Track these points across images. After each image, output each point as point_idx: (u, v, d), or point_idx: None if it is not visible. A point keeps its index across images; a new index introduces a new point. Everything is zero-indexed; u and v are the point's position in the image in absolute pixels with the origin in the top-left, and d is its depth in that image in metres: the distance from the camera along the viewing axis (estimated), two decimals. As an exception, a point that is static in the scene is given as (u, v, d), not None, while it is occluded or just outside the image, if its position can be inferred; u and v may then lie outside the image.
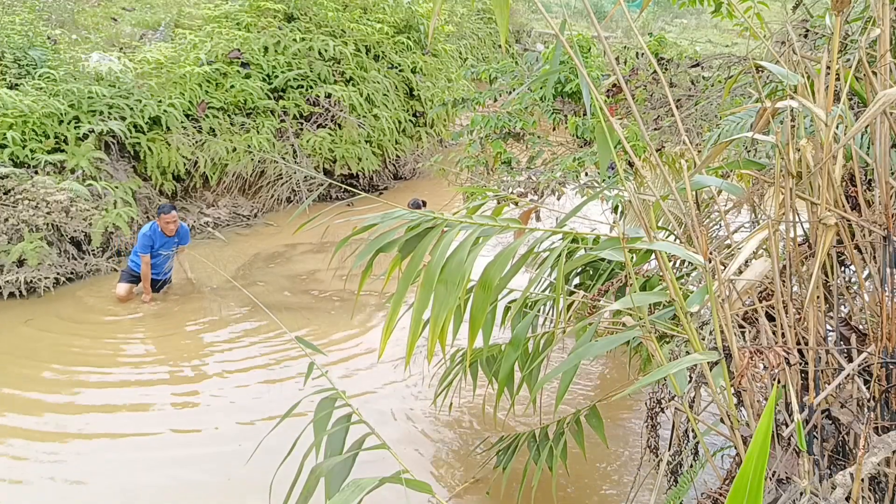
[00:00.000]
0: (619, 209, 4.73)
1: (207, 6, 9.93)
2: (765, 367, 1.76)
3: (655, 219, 3.26)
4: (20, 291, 6.07)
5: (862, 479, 1.67)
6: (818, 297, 2.02)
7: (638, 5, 15.13)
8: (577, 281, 3.74)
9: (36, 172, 6.65)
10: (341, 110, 8.97)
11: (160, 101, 7.73)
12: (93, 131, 7.05)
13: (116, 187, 7.07)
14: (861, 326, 2.13)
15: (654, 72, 5.54)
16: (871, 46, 2.20)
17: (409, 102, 9.92)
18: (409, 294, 2.37)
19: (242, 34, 8.83)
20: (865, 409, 1.94)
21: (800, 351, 1.98)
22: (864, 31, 2.12)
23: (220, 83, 8.39)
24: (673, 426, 2.49)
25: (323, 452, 2.18)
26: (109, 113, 7.32)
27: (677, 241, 2.63)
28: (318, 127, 8.96)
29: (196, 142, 8.01)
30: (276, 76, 8.75)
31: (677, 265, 3.56)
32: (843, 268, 2.41)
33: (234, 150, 8.19)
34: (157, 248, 6.00)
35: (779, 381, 1.93)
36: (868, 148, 2.21)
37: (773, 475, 1.86)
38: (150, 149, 7.64)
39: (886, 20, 1.95)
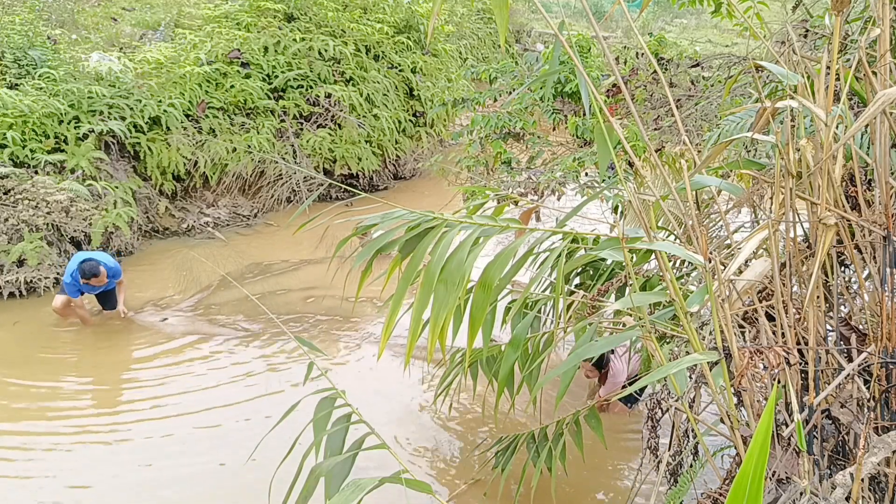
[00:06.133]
0: (619, 209, 4.73)
1: (207, 6, 9.92)
2: (765, 367, 1.76)
3: (655, 219, 3.25)
4: (20, 291, 6.07)
5: (862, 479, 1.67)
6: (818, 297, 2.02)
7: (638, 5, 15.13)
8: (577, 281, 3.74)
9: (36, 172, 6.65)
10: (341, 110, 8.97)
11: (160, 101, 7.72)
12: (93, 131, 7.04)
13: (116, 187, 7.07)
14: (861, 326, 2.13)
15: (654, 72, 5.54)
16: (871, 46, 2.19)
17: (409, 102, 9.92)
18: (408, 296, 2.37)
19: (242, 34, 8.82)
20: (865, 409, 1.94)
21: (800, 351, 1.98)
22: (864, 31, 2.12)
23: (220, 83, 8.38)
24: (673, 426, 2.49)
25: (323, 452, 2.18)
26: (109, 113, 7.31)
27: (677, 241, 2.63)
28: (318, 127, 8.96)
29: (196, 142, 8.01)
30: (276, 76, 8.75)
31: (677, 265, 3.55)
32: (843, 268, 2.41)
33: (234, 150, 8.18)
34: (85, 292, 5.64)
35: (779, 381, 1.93)
36: (868, 148, 2.21)
37: (773, 475, 1.86)
38: (150, 149, 7.63)
39: (886, 20, 1.95)
